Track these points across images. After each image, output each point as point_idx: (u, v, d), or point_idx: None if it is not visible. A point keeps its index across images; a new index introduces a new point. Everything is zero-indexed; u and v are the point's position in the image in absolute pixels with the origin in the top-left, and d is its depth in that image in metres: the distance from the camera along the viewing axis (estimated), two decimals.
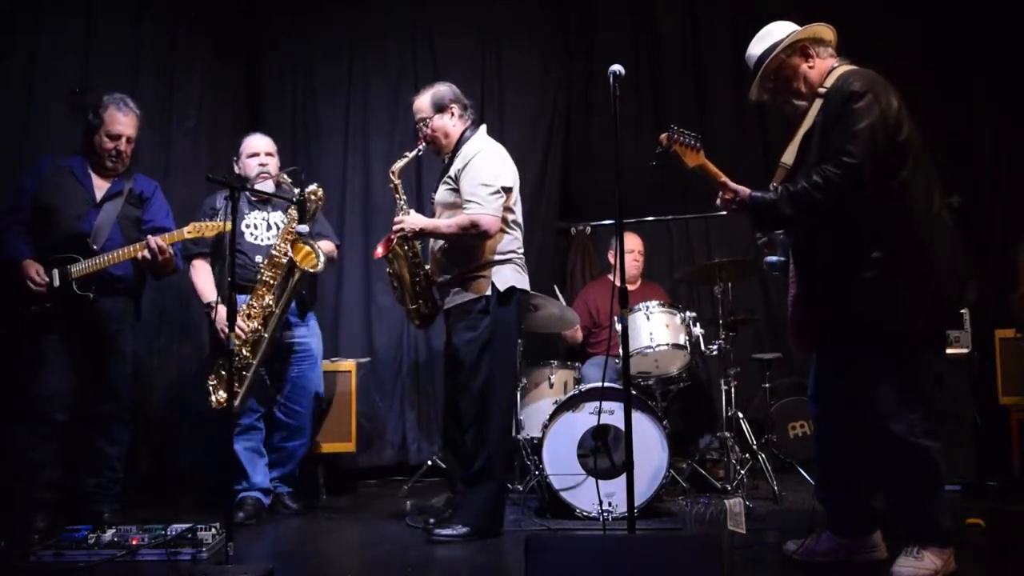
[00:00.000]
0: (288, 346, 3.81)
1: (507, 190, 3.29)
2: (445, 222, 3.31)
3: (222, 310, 3.51)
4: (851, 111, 2.45)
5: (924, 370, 2.51)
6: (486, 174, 3.25)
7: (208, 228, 3.39)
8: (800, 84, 2.67)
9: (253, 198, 3.79)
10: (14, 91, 3.91)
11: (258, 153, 3.79)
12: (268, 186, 3.73)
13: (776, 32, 2.71)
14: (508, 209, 3.33)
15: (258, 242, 3.73)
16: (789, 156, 2.68)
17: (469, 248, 3.30)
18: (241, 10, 5.11)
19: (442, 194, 3.41)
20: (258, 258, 3.62)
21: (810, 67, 2.66)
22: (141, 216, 3.60)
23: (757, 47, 2.73)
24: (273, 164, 3.83)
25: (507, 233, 3.34)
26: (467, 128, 3.44)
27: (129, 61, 4.41)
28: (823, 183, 2.44)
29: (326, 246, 3.84)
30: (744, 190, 2.62)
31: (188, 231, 3.38)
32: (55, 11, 4.06)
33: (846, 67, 2.63)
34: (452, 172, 3.34)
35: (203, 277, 3.75)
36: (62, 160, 3.52)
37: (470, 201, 3.22)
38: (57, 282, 3.33)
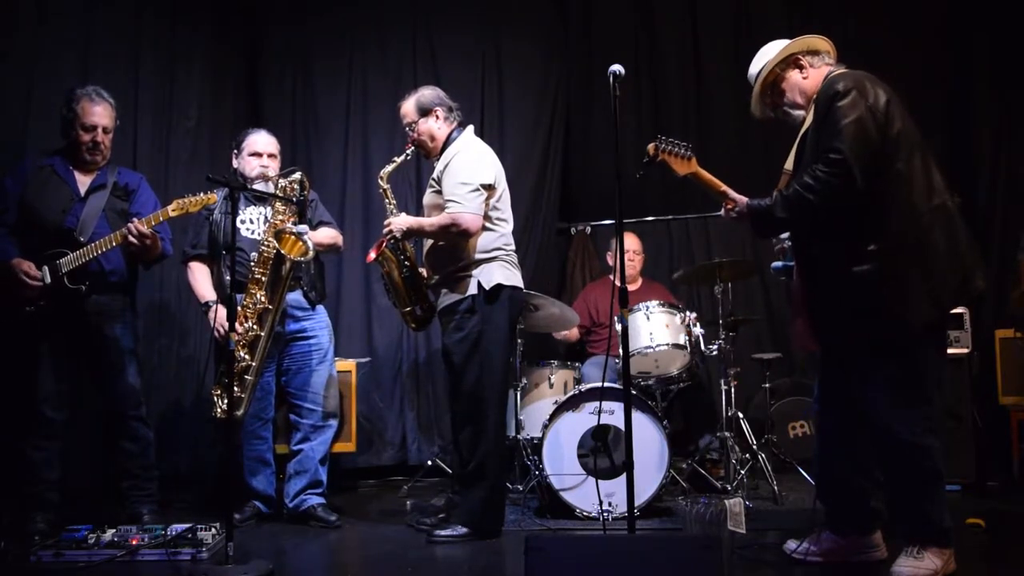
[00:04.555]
0: (294, 339, 3.69)
1: (487, 187, 3.30)
2: (429, 220, 3.34)
3: (221, 310, 3.50)
4: (835, 109, 2.48)
5: (926, 369, 2.51)
6: (465, 173, 3.27)
7: (193, 203, 3.30)
8: (795, 95, 2.73)
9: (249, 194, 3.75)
10: (14, 91, 3.90)
11: (261, 154, 3.73)
12: (267, 186, 3.68)
13: (771, 50, 2.79)
14: (493, 207, 3.35)
15: (255, 237, 3.66)
16: (790, 162, 2.73)
17: (454, 247, 3.32)
18: (241, 6, 5.11)
19: (428, 196, 3.45)
20: (253, 254, 3.54)
21: (804, 77, 2.71)
22: (128, 208, 3.56)
23: (755, 67, 2.83)
24: (275, 166, 3.76)
25: (492, 230, 3.35)
26: (453, 130, 3.46)
27: (129, 60, 4.41)
28: (813, 183, 2.47)
29: (326, 233, 3.77)
30: (742, 199, 2.66)
31: (172, 209, 3.30)
32: (55, 10, 4.05)
33: (837, 71, 2.65)
34: (435, 174, 3.38)
35: (200, 278, 3.69)
36: (43, 159, 3.50)
37: (450, 200, 3.25)
38: (48, 279, 3.31)
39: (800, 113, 2.73)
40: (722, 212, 2.73)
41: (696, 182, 2.71)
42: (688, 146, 2.70)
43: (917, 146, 2.53)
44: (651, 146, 2.69)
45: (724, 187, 2.71)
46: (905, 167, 2.49)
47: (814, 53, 2.73)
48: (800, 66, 2.72)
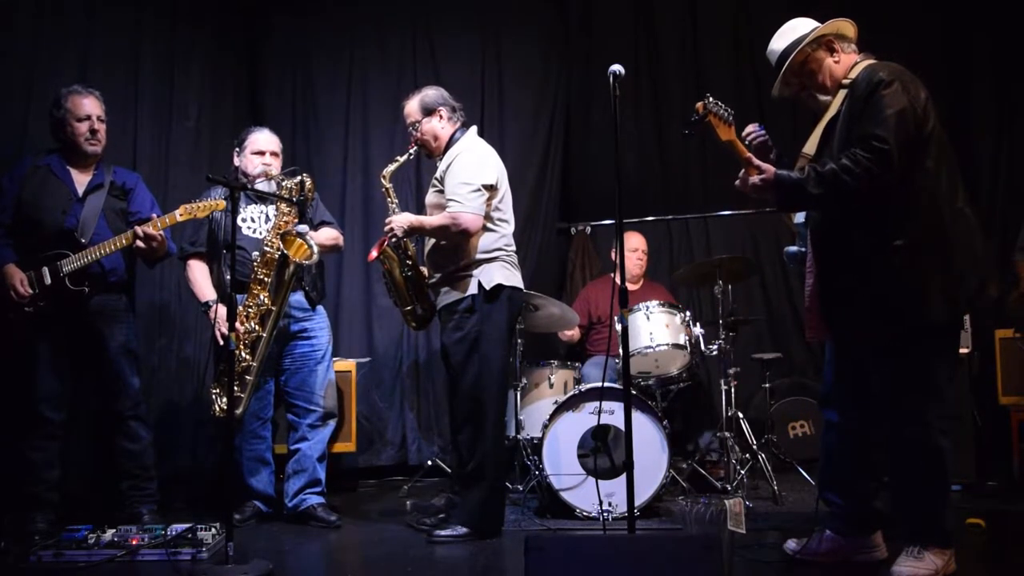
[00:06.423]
0: (294, 338, 3.69)
1: (489, 187, 3.31)
2: (430, 219, 3.35)
3: (221, 310, 3.50)
4: (879, 97, 2.45)
5: (939, 369, 2.50)
6: (466, 173, 3.28)
7: (200, 208, 3.32)
8: (825, 78, 2.67)
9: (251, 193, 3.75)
10: (14, 91, 3.90)
11: (264, 152, 3.72)
12: (269, 185, 3.68)
13: (800, 27, 2.71)
14: (494, 207, 3.35)
15: (256, 236, 3.66)
16: (811, 146, 2.69)
17: (455, 247, 3.32)
18: (241, 6, 5.10)
19: (430, 196, 3.46)
20: (255, 253, 3.53)
21: (835, 61, 2.66)
22: (126, 208, 3.57)
23: (780, 42, 2.72)
24: (277, 164, 3.75)
25: (493, 231, 3.35)
26: (457, 130, 3.47)
27: (129, 60, 4.40)
28: (853, 166, 2.43)
29: (328, 233, 3.76)
30: (770, 168, 2.59)
31: (180, 214, 3.32)
32: (55, 9, 4.05)
33: (871, 60, 2.63)
34: (438, 174, 3.39)
35: (199, 277, 3.67)
36: (40, 159, 3.50)
37: (451, 200, 3.25)
38: (49, 280, 3.31)
39: (827, 98, 2.68)
40: (738, 183, 2.67)
41: (731, 151, 2.67)
42: (732, 112, 2.66)
43: (945, 148, 2.53)
44: (700, 104, 2.63)
45: (749, 154, 2.66)
46: (934, 166, 2.49)
47: (843, 38, 2.69)
48: (832, 49, 2.66)
